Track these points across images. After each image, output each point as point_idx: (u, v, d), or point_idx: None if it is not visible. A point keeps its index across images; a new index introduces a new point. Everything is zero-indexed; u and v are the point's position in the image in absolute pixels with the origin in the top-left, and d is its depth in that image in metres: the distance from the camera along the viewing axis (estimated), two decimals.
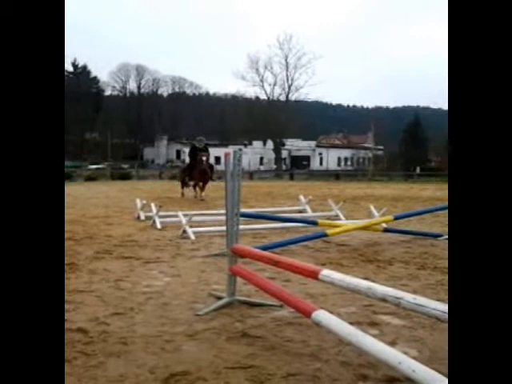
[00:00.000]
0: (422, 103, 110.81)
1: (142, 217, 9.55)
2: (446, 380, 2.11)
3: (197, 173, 13.95)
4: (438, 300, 2.37)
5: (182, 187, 15.15)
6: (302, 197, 11.32)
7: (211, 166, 14.34)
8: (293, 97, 59.99)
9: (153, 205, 9.19)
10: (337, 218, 9.63)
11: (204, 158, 13.95)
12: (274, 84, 59.58)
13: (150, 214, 9.23)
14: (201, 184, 14.30)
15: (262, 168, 59.87)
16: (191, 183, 14.75)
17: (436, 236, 7.80)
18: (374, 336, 2.80)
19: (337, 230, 6.86)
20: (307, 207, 10.91)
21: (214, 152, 66.16)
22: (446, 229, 8.29)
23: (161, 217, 8.85)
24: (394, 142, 63.85)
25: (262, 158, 65.04)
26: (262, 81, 59.36)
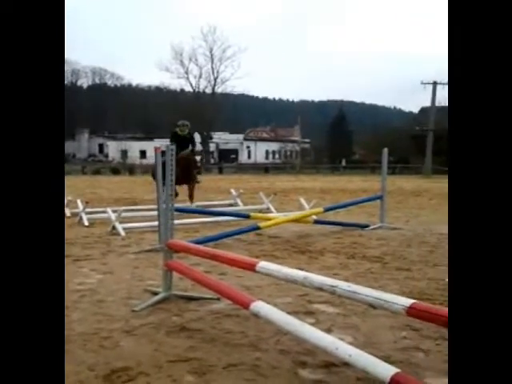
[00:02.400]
0: (347, 97, 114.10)
1: (68, 213, 9.28)
2: (381, 362, 2.28)
3: (178, 171, 12.08)
4: (368, 287, 2.53)
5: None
6: (233, 190, 11.42)
7: (194, 161, 11.15)
8: (219, 89, 60.04)
9: (79, 201, 8.95)
10: (268, 210, 9.81)
11: (191, 155, 10.77)
12: (200, 76, 59.34)
13: (76, 210, 8.99)
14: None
15: None
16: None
17: (363, 226, 8.15)
18: (311, 324, 2.94)
19: (269, 222, 7.02)
20: (238, 201, 11.03)
21: (139, 146, 64.66)
22: (373, 219, 8.70)
23: (88, 213, 8.64)
24: (320, 135, 65.53)
25: None
26: (186, 73, 58.92)
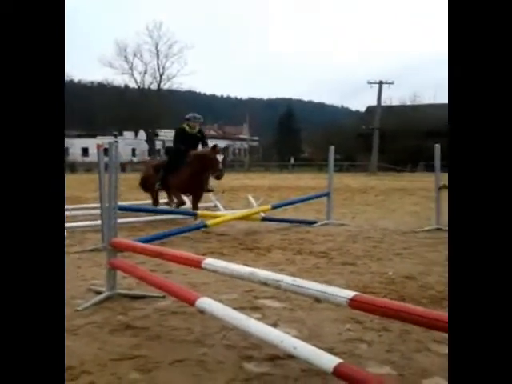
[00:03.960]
0: (295, 95, 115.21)
1: None
2: (325, 353, 2.36)
3: (185, 179, 8.00)
4: (314, 281, 2.60)
5: (153, 194, 9.29)
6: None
7: (214, 162, 7.77)
8: (165, 86, 59.38)
9: None
10: (216, 208, 9.83)
11: (210, 153, 7.85)
12: (145, 72, 58.53)
13: None
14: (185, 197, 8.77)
15: (134, 160, 58.51)
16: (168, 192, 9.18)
17: (310, 223, 8.31)
18: (257, 319, 3.00)
19: (216, 220, 7.04)
20: (185, 199, 10.98)
21: (81, 143, 62.85)
22: (320, 216, 8.87)
23: None
24: (269, 133, 65.98)
25: (134, 150, 63.52)
26: (131, 69, 57.98)
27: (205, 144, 8.54)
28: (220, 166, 7.66)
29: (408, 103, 51.71)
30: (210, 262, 2.98)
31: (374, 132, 42.35)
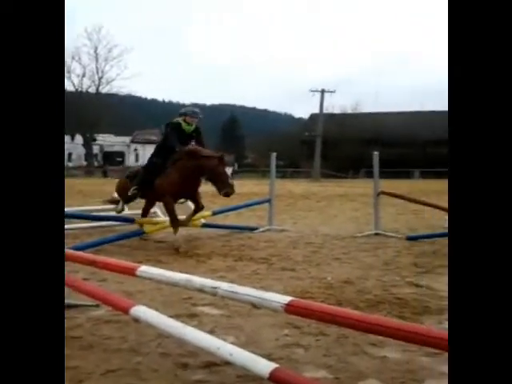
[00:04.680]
0: (238, 102, 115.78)
1: None
2: (261, 359, 2.38)
3: (178, 181, 6.60)
4: (253, 288, 2.63)
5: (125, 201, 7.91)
6: (116, 194, 11.14)
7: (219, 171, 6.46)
8: (104, 90, 58.26)
9: None
10: (155, 215, 9.70)
11: (217, 166, 6.43)
12: (83, 75, 57.21)
13: None
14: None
15: (70, 165, 56.97)
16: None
17: (252, 229, 8.36)
18: (194, 326, 2.98)
19: (155, 227, 6.96)
20: (123, 205, 10.77)
21: None
22: (262, 222, 8.94)
23: None
24: (212, 139, 65.86)
25: (70, 154, 61.83)
26: (69, 72, 56.51)
27: (201, 146, 6.93)
28: (230, 180, 6.44)
29: (349, 111, 53.05)
30: (144, 269, 2.96)
31: (317, 139, 43.17)
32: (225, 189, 6.30)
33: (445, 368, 2.86)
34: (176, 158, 6.67)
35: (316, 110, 45.99)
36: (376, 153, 8.32)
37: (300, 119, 67.69)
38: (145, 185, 6.91)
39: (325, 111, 44.97)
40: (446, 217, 8.82)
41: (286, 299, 2.28)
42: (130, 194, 7.10)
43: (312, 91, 43.86)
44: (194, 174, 6.57)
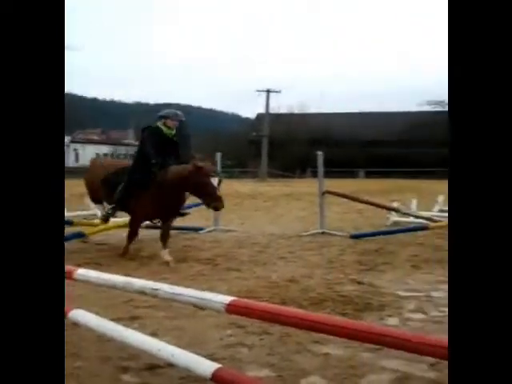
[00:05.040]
0: (184, 101, 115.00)
1: None
2: (204, 360, 2.38)
3: (157, 203, 5.90)
4: (197, 289, 2.62)
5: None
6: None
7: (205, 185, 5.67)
8: None
9: None
10: (96, 217, 9.50)
11: (200, 176, 5.64)
12: None
13: None
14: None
15: None
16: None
17: (197, 230, 8.32)
18: (135, 329, 2.95)
19: (95, 229, 6.82)
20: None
21: None
22: (208, 222, 8.90)
23: None
24: None
25: None
26: None
27: (188, 149, 6.71)
28: (217, 192, 5.62)
29: (296, 111, 53.64)
30: (82, 272, 2.93)
31: (263, 139, 43.44)
32: (213, 202, 5.61)
33: (385, 363, 2.96)
34: (164, 179, 5.78)
35: (263, 110, 46.26)
36: (320, 153, 8.46)
37: (247, 119, 67.84)
38: (123, 203, 6.13)
39: (271, 111, 45.31)
40: (388, 215, 9.08)
41: (227, 299, 2.29)
42: (104, 213, 6.40)
43: (258, 91, 44.12)
44: (176, 193, 5.90)
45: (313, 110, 53.78)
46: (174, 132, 6.20)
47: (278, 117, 48.00)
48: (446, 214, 7.61)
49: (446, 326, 3.69)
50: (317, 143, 34.68)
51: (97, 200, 7.17)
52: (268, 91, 43.95)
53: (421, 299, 4.43)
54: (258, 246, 6.92)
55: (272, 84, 44.79)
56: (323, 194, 8.37)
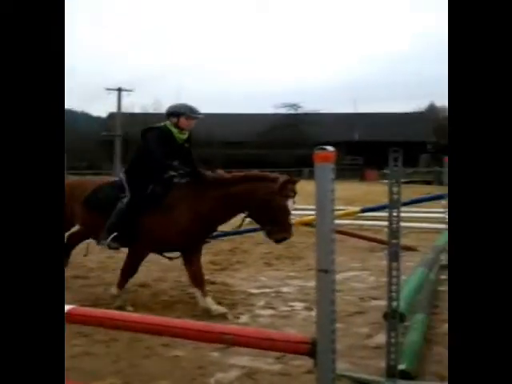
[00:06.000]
0: None
1: None
2: None
3: (187, 223, 4.20)
4: None
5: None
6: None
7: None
8: None
9: None
10: None
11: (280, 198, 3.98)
12: None
13: None
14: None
15: None
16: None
17: None
18: None
19: None
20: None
21: None
22: None
23: None
24: None
25: None
26: None
27: (189, 156, 4.61)
28: (290, 221, 4.13)
29: (151, 111, 53.04)
30: None
31: (116, 139, 42.41)
32: (281, 233, 4.01)
33: (233, 360, 3.07)
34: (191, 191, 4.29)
35: (114, 109, 45.09)
36: None
37: (98, 118, 65.60)
38: (126, 230, 4.29)
39: (124, 111, 44.35)
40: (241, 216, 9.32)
41: (66, 308, 2.23)
42: (105, 246, 4.40)
43: (108, 89, 42.92)
44: (223, 212, 4.22)
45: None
46: (186, 136, 4.56)
47: (133, 116, 47.07)
48: (301, 212, 7.94)
49: (293, 320, 3.95)
50: None
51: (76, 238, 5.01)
52: (119, 90, 42.95)
53: (271, 295, 4.65)
54: (107, 252, 6.74)
55: (127, 82, 43.52)
56: None
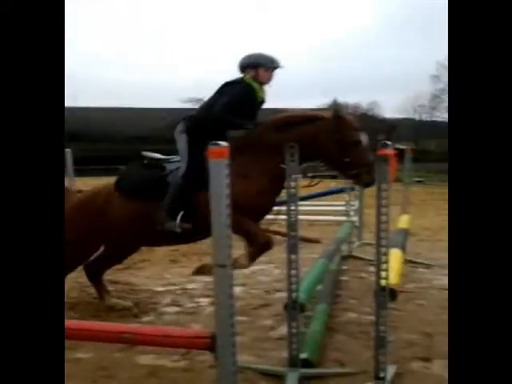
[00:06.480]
0: None
1: None
2: None
3: (266, 187, 3.65)
4: None
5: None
6: None
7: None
8: None
9: None
10: None
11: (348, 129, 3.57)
12: None
13: None
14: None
15: None
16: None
17: None
18: None
19: None
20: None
21: None
22: None
23: None
24: None
25: None
26: None
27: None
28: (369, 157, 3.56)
29: None
30: None
31: None
32: (370, 175, 3.43)
33: (138, 359, 3.06)
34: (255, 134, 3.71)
35: None
36: (68, 149, 8.21)
37: None
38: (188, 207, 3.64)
39: None
40: None
41: None
42: (175, 228, 3.61)
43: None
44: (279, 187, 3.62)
45: (70, 103, 51.74)
46: (264, 92, 3.94)
47: None
48: None
49: (199, 316, 3.97)
50: (76, 139, 33.45)
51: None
52: None
53: (176, 292, 4.64)
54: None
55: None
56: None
